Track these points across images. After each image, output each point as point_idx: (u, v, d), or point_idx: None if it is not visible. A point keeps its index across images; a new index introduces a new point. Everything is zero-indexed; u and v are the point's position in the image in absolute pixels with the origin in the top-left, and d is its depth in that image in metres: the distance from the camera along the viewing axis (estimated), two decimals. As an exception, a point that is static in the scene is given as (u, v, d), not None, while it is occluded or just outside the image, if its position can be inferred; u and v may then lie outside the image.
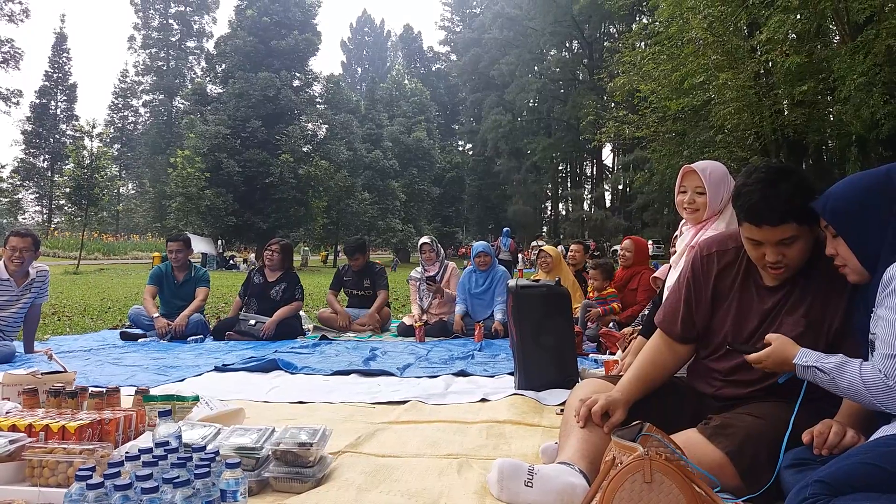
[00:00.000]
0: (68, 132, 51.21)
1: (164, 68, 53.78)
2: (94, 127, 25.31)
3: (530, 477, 1.73)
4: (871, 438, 1.55)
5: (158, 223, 38.19)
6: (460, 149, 62.71)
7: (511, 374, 3.67)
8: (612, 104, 26.37)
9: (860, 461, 1.37)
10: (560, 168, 58.06)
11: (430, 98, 50.78)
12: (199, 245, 28.18)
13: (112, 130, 54.34)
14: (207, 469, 1.54)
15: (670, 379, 2.11)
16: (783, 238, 1.78)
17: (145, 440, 1.99)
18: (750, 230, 1.82)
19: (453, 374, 3.83)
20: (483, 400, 3.15)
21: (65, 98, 54.02)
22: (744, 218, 1.83)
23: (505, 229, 19.83)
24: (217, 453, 1.69)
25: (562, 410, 2.16)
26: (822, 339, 1.84)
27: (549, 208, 60.82)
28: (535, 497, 1.70)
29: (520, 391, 3.27)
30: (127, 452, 1.66)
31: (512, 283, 3.59)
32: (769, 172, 1.79)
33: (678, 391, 2.10)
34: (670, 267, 3.03)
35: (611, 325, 5.21)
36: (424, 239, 6.51)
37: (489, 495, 1.78)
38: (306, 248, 37.32)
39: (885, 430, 1.53)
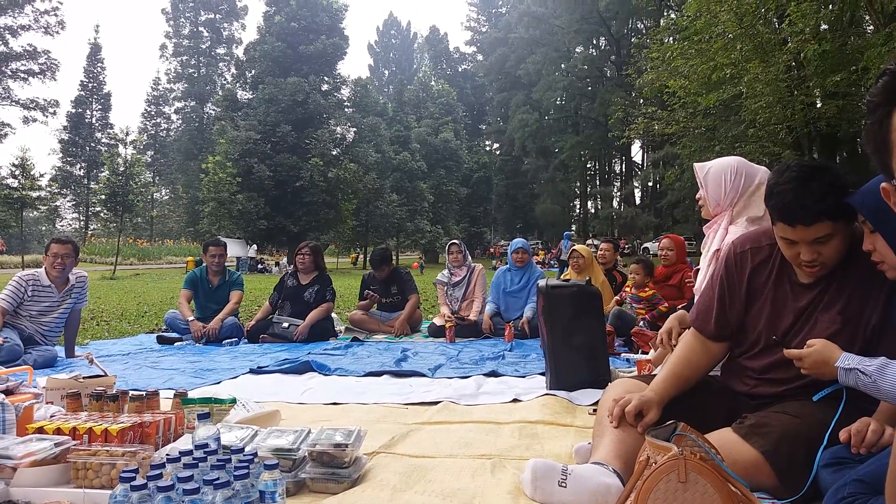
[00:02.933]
0: (103, 140, 52.27)
1: (195, 75, 54.78)
2: (127, 135, 25.86)
3: (564, 477, 1.73)
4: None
5: (192, 228, 38.87)
6: (487, 149, 62.54)
7: (542, 374, 3.67)
8: (641, 100, 26.08)
9: None
10: (588, 166, 57.55)
11: (457, 99, 50.75)
12: (233, 248, 28.58)
13: (145, 138, 55.50)
14: (246, 470, 1.56)
15: (704, 378, 2.09)
16: (818, 237, 1.75)
17: (185, 442, 2.02)
18: (784, 230, 1.80)
19: (484, 374, 3.84)
20: (515, 400, 3.15)
21: (99, 107, 55.19)
22: (777, 218, 1.81)
23: (566, 233, 19.78)
24: (255, 455, 1.73)
25: (594, 410, 2.16)
26: (859, 337, 1.82)
27: (578, 206, 60.41)
28: (569, 497, 1.71)
29: (552, 391, 3.26)
30: (168, 454, 1.69)
31: (542, 282, 3.58)
32: (801, 171, 1.77)
33: (712, 390, 2.09)
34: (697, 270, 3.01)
35: (641, 323, 5.15)
36: (454, 241, 6.53)
37: (523, 495, 1.79)
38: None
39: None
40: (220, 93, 44.51)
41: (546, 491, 1.73)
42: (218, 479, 1.49)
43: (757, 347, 2.01)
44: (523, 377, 3.79)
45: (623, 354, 4.68)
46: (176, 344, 5.61)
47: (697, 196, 2.80)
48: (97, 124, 55.00)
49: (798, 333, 1.91)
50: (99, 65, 55.02)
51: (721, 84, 16.77)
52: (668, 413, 1.88)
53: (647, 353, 4.15)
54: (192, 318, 5.77)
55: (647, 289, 5.42)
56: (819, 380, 1.81)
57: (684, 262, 5.73)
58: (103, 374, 3.10)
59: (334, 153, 35.15)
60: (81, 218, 53.36)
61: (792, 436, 1.74)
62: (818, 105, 16.70)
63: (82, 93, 54.19)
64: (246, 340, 5.72)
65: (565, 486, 1.72)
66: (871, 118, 0.89)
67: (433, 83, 50.32)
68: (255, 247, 34.30)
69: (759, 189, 2.61)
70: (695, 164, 2.80)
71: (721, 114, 19.20)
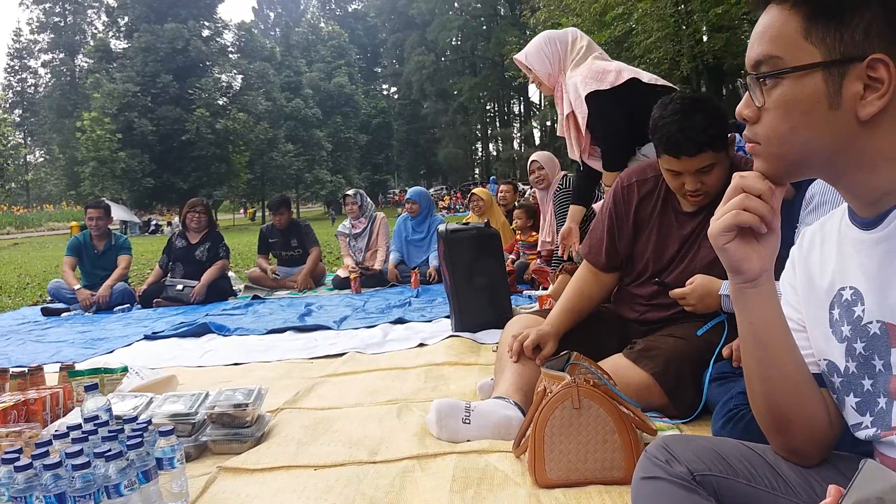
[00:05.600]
0: (-41, 101, 47.35)
1: (62, 24, 49.89)
2: (-13, 92, 23.52)
3: (467, 414, 1.78)
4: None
5: (73, 191, 36.28)
6: (385, 93, 61.36)
7: (448, 317, 3.72)
8: (535, 39, 26.22)
9: None
10: (488, 108, 57.79)
11: (349, 41, 49.29)
12: (119, 213, 26.99)
13: (10, 95, 50.63)
14: (140, 439, 1.51)
15: (598, 308, 2.18)
16: (701, 167, 1.84)
17: (75, 417, 1.93)
18: (669, 162, 1.87)
19: (391, 322, 3.85)
20: (421, 345, 3.19)
21: (-50, 63, 49.71)
22: (662, 150, 1.87)
23: (492, 177, 19.71)
24: (150, 422, 1.66)
25: (497, 348, 2.22)
26: None
27: (480, 149, 60.80)
28: (473, 432, 1.76)
29: (456, 333, 3.32)
30: (56, 431, 1.62)
31: (442, 227, 3.60)
32: (684, 103, 1.83)
33: (605, 319, 2.18)
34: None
35: (538, 260, 5.29)
36: (348, 191, 6.41)
37: (429, 435, 1.82)
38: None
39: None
40: (91, 43, 41.09)
41: (451, 429, 1.78)
42: (109, 450, 1.43)
43: (645, 275, 2.11)
44: (430, 322, 3.83)
45: (525, 292, 4.82)
46: (63, 315, 5.29)
47: (531, 80, 3.01)
48: (-52, 82, 49.56)
49: (683, 259, 2.02)
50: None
51: (613, 21, 17.11)
52: (565, 344, 1.95)
53: (547, 289, 4.28)
54: (78, 286, 5.43)
55: (533, 233, 5.55)
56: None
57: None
58: (-23, 353, 2.88)
59: (221, 103, 33.64)
60: (-58, 187, 48.60)
61: (679, 357, 1.86)
62: (705, 39, 17.38)
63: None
64: (139, 306, 5.45)
65: (469, 423, 1.77)
66: None
67: (323, 25, 48.58)
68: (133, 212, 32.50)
69: (575, 43, 2.90)
70: (515, 56, 3.02)
71: (613, 50, 19.59)
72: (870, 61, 0.68)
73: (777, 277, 1.68)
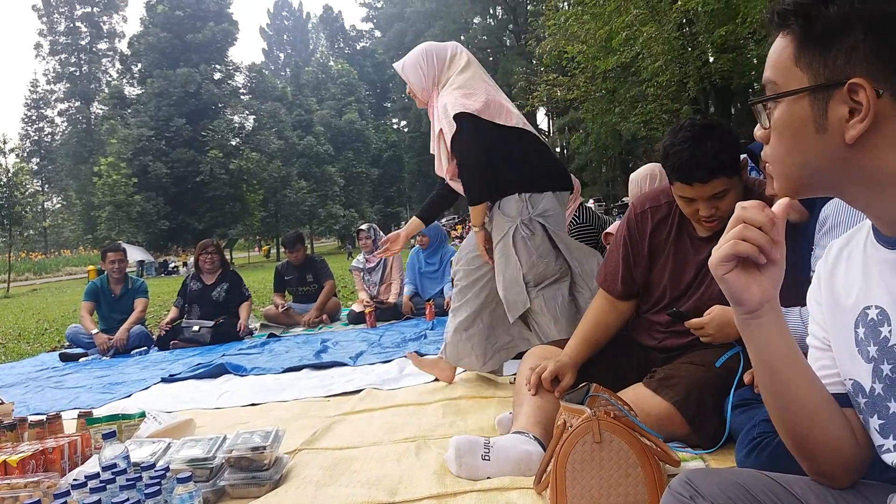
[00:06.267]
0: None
1: (77, 74, 51.22)
2: (5, 143, 24.06)
3: (486, 450, 1.75)
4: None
5: (89, 235, 36.82)
6: (395, 127, 61.96)
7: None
8: (542, 68, 26.46)
9: None
10: (496, 136, 57.97)
11: (359, 78, 50.06)
12: (135, 254, 27.29)
13: (28, 144, 51.75)
14: (158, 486, 1.51)
15: (616, 336, 2.15)
16: (715, 192, 1.82)
17: (92, 465, 1.92)
18: (682, 189, 1.86)
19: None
20: (437, 379, 3.15)
21: (-29, 115, 50.93)
22: (675, 178, 1.86)
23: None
24: (167, 469, 1.66)
25: (515, 380, 2.19)
26: None
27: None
28: (494, 469, 1.73)
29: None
30: (74, 480, 1.61)
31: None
32: (694, 130, 1.82)
33: (623, 347, 2.15)
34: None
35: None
36: (361, 225, 6.45)
37: (449, 474, 1.79)
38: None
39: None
40: (106, 90, 42.17)
41: (470, 466, 1.75)
42: (127, 500, 1.43)
43: (662, 302, 2.08)
44: (446, 354, 3.79)
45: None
46: (81, 360, 5.31)
47: (408, 91, 2.93)
48: (-30, 133, 50.68)
49: (700, 285, 1.99)
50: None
51: (619, 48, 17.25)
52: (584, 374, 1.92)
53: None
54: (95, 330, 5.47)
55: None
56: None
57: None
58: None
59: (234, 143, 34.17)
60: (-35, 236, 49.44)
61: (700, 385, 1.82)
62: (711, 60, 17.46)
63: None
64: (156, 348, 5.47)
65: (489, 459, 1.74)
66: None
67: (332, 63, 49.39)
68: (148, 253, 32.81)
69: (454, 59, 2.82)
70: (394, 65, 2.96)
71: (620, 76, 19.71)
72: (850, 85, 0.69)
73: (800, 301, 1.67)
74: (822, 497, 0.85)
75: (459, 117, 2.61)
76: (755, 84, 19.66)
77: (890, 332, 0.75)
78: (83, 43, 51.66)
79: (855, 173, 0.73)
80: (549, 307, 2.63)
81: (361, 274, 6.32)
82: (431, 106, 2.83)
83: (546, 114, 52.08)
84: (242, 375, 3.80)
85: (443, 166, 2.82)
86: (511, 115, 2.73)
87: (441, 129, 2.70)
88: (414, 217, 3.17)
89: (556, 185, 2.76)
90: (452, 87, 2.72)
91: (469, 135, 2.61)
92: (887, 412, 0.77)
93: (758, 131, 0.80)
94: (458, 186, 2.87)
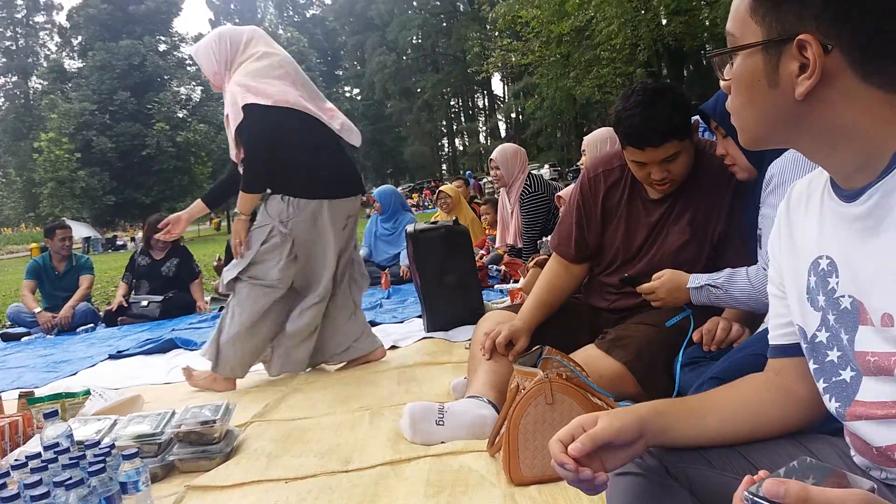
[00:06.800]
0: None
1: (14, 48, 48.85)
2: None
3: (441, 415, 1.75)
4: (758, 331, 1.65)
5: (31, 213, 35.57)
6: (348, 95, 60.96)
7: (420, 317, 3.68)
8: (496, 33, 26.26)
9: (750, 353, 1.42)
10: (452, 103, 57.79)
11: (309, 45, 48.79)
12: (81, 230, 26.42)
13: (-38, 120, 49.29)
14: (103, 464, 1.46)
15: (568, 299, 2.16)
16: (667, 156, 1.82)
17: (34, 445, 1.87)
18: (634, 153, 1.86)
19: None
20: (393, 347, 3.14)
21: None
22: (627, 143, 1.86)
23: (467, 172, 19.55)
24: (112, 446, 1.61)
25: (470, 346, 2.19)
26: (707, 244, 1.94)
27: (447, 145, 60.78)
28: (448, 433, 1.73)
29: (429, 334, 3.29)
30: (14, 461, 1.55)
31: (410, 228, 3.57)
32: (646, 94, 1.81)
33: (576, 310, 2.17)
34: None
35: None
36: None
37: (403, 440, 1.79)
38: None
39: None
40: (44, 64, 40.31)
41: (425, 432, 1.75)
42: (70, 479, 1.37)
43: (615, 264, 2.09)
44: (401, 322, 3.79)
45: (496, 286, 4.79)
46: (24, 339, 5.15)
47: (203, 75, 2.89)
48: None
49: (652, 246, 2.01)
50: None
51: (573, 11, 17.20)
52: (538, 337, 1.93)
53: (518, 282, 4.26)
54: (38, 309, 5.31)
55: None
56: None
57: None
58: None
59: (181, 115, 33.30)
60: None
61: (651, 344, 1.85)
62: (664, 23, 17.57)
63: None
64: (104, 325, 5.31)
65: (443, 424, 1.74)
66: None
67: (281, 32, 48.00)
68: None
69: (248, 46, 2.74)
70: (188, 49, 3.02)
71: (574, 40, 19.71)
72: (798, 41, 0.68)
73: (749, 261, 1.69)
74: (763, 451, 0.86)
75: (246, 108, 2.56)
76: (707, 46, 19.96)
77: (837, 283, 0.76)
78: (19, 16, 49.19)
79: (809, 128, 0.73)
80: (241, 298, 2.72)
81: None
82: (224, 90, 2.76)
83: (501, 79, 51.99)
84: (192, 350, 3.71)
85: (232, 150, 2.74)
86: (310, 111, 2.68)
87: (228, 115, 2.66)
88: (198, 200, 3.08)
89: (339, 192, 2.74)
90: (243, 74, 2.65)
91: (253, 126, 2.56)
92: (824, 359, 0.79)
93: (722, 82, 0.81)
94: None
